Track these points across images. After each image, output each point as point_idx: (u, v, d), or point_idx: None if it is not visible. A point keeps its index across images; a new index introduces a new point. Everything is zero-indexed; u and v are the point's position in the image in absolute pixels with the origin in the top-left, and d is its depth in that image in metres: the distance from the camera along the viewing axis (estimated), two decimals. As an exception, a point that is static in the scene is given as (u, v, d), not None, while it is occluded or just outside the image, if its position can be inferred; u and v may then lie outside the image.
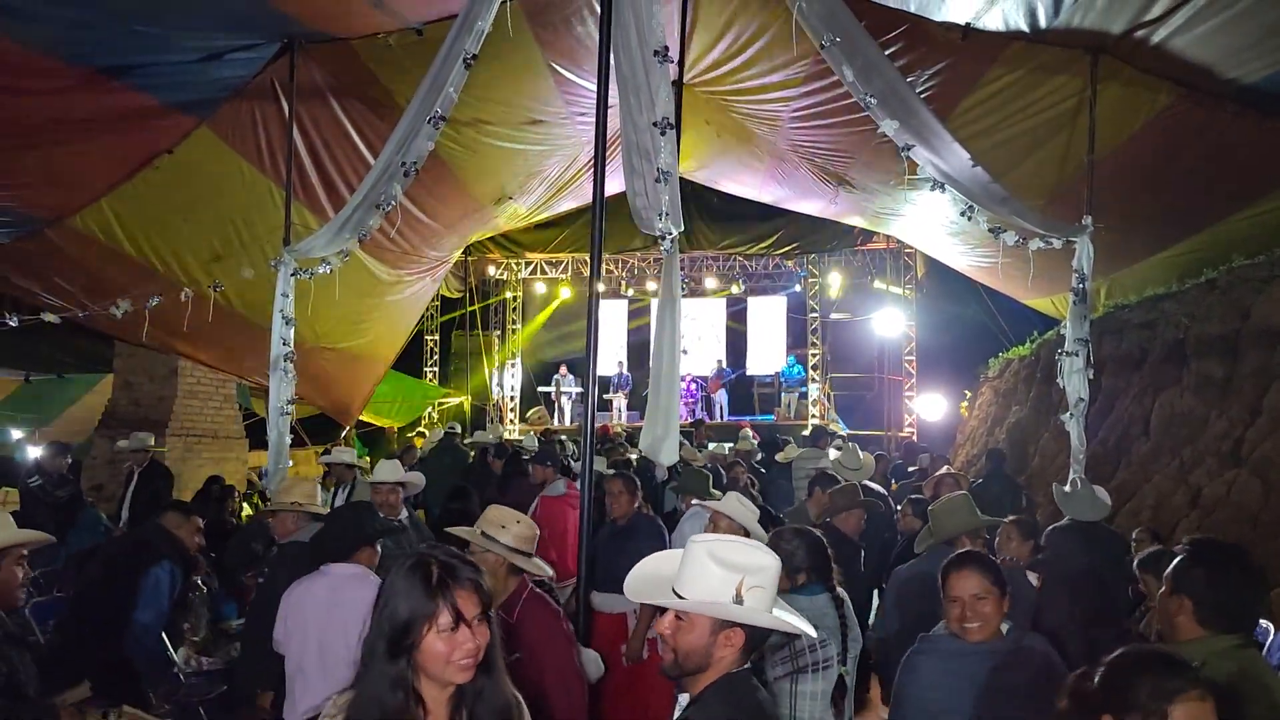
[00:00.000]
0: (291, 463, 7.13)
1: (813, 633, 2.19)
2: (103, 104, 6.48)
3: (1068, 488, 5.93)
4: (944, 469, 8.75)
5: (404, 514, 5.76)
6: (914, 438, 16.18)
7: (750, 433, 12.41)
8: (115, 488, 9.55)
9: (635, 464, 8.96)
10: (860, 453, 8.14)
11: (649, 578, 2.18)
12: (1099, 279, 9.26)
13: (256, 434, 11.32)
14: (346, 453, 7.66)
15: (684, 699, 2.11)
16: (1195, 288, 8.50)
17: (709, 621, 2.00)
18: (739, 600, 1.97)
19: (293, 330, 6.83)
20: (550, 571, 3.52)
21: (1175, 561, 2.59)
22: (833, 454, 8.78)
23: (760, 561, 2.03)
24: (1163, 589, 2.60)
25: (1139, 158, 7.42)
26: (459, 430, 11.89)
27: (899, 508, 6.59)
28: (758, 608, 1.99)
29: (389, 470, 5.76)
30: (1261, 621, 4.77)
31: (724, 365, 18.96)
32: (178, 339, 9.28)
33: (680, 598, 2.02)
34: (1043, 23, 6.14)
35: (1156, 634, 2.83)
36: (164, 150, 7.44)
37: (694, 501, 5.94)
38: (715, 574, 1.98)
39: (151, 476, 8.32)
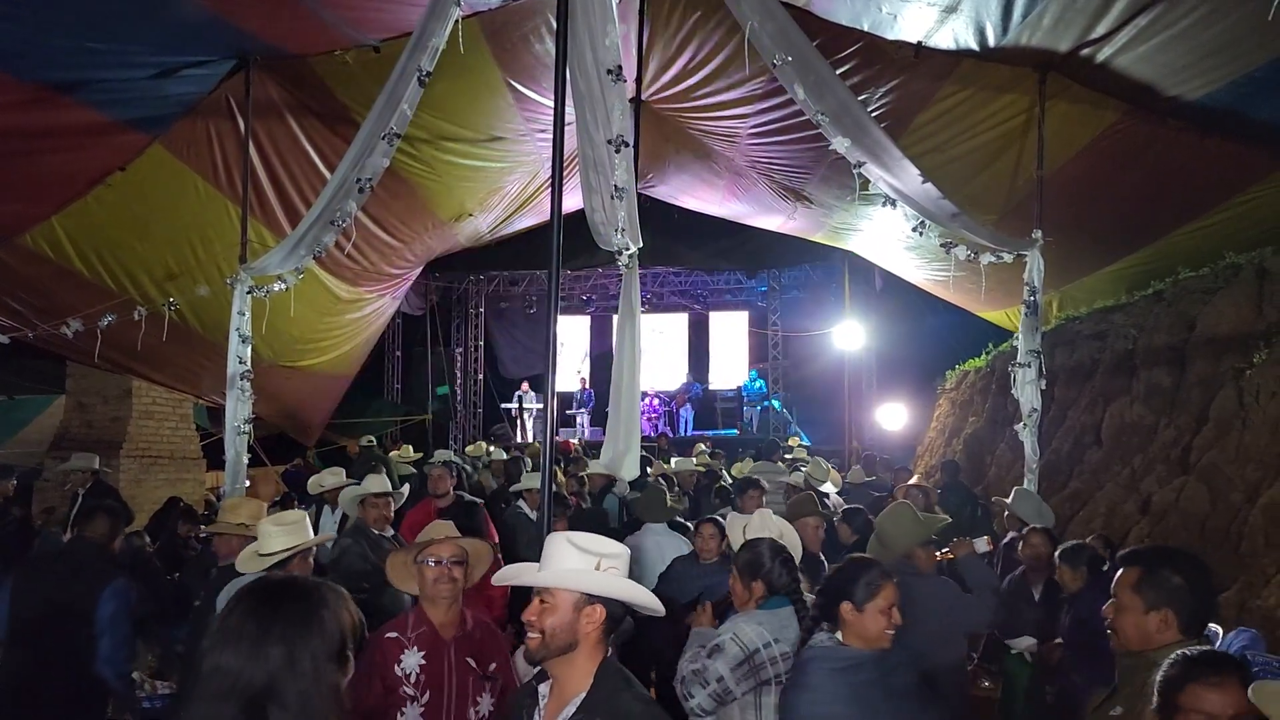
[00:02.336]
0: (249, 482, 7.01)
1: (661, 610, 2.31)
2: (54, 120, 6.37)
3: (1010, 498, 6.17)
4: (912, 480, 8.86)
5: (390, 531, 5.60)
6: (873, 451, 16.30)
7: (704, 447, 12.48)
8: (66, 510, 9.36)
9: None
10: (824, 464, 8.23)
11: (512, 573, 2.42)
12: (1050, 292, 9.43)
13: (215, 454, 11.17)
14: (331, 475, 7.28)
15: (544, 689, 2.22)
16: (1143, 299, 8.69)
17: (570, 600, 2.14)
18: None
19: (249, 348, 6.75)
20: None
21: (1140, 573, 2.53)
22: (803, 469, 8.85)
23: (614, 549, 2.23)
24: (1119, 600, 2.54)
25: (1087, 173, 7.58)
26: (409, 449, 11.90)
27: (836, 519, 6.32)
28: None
29: (378, 483, 5.63)
30: (1211, 625, 4.90)
31: (692, 381, 19.01)
32: (132, 358, 9.12)
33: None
34: (992, 41, 6.27)
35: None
36: (117, 167, 7.33)
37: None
38: (573, 556, 2.19)
39: (97, 496, 8.14)
